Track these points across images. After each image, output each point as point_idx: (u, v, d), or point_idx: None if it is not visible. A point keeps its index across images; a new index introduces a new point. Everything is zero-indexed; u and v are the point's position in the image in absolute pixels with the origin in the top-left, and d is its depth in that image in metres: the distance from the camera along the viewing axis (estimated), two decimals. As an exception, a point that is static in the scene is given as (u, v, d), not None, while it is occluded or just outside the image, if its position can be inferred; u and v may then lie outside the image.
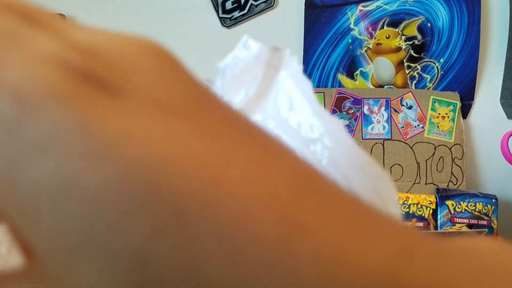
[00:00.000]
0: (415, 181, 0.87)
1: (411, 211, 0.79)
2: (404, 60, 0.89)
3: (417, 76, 0.89)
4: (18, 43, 0.10)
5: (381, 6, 0.88)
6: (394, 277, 0.10)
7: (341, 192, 0.11)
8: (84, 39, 0.11)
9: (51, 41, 0.10)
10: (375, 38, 0.89)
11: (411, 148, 0.88)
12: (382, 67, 0.89)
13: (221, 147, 0.10)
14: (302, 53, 0.88)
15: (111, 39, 0.11)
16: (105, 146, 0.09)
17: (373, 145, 0.88)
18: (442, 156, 0.88)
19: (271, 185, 0.10)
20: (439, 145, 0.88)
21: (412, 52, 0.89)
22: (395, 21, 0.89)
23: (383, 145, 0.88)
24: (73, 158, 0.09)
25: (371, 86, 0.89)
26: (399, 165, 0.87)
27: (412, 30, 0.88)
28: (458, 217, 0.80)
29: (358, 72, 0.89)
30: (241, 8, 0.88)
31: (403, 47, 0.89)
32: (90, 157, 0.09)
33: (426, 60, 0.89)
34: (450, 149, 0.88)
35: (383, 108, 0.88)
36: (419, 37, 0.89)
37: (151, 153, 0.09)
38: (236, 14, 0.88)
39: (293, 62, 0.19)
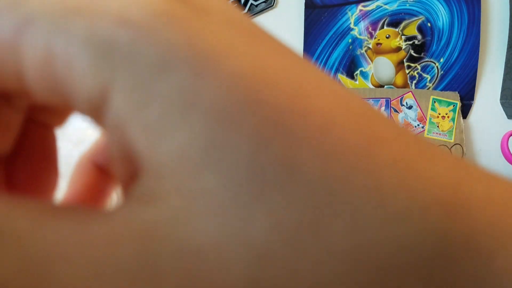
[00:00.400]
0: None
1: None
2: (404, 60, 0.89)
3: (417, 76, 0.89)
4: None
5: (381, 6, 0.88)
6: (457, 186, 0.11)
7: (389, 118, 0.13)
8: None
9: None
10: (375, 38, 0.89)
11: (411, 148, 0.88)
12: (382, 67, 0.89)
13: (291, 63, 0.11)
14: (302, 53, 0.88)
15: None
16: (213, 62, 0.10)
17: (373, 145, 0.88)
18: (442, 156, 0.88)
19: (343, 97, 0.11)
20: (439, 145, 0.88)
21: (412, 52, 0.89)
22: (395, 21, 0.89)
23: (383, 145, 0.88)
24: (191, 76, 0.09)
25: (371, 86, 0.89)
26: (399, 165, 0.87)
27: (412, 30, 0.89)
28: (458, 217, 0.80)
29: (358, 72, 0.89)
30: (241, 8, 0.88)
31: (403, 47, 0.89)
32: (203, 75, 0.09)
33: (426, 60, 0.89)
34: (450, 149, 0.88)
35: (383, 108, 0.88)
36: (419, 37, 0.89)
37: (250, 67, 0.10)
38: (236, 14, 0.88)
39: None
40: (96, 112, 0.10)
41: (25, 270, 0.09)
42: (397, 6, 0.88)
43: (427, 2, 0.88)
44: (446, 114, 0.89)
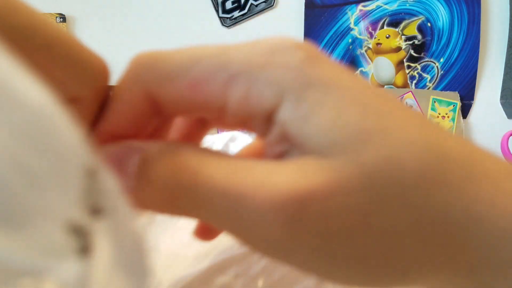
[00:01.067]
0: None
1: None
2: (404, 60, 0.89)
3: (417, 76, 0.89)
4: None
5: (381, 6, 0.88)
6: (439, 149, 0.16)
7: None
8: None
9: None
10: (375, 38, 0.89)
11: (411, 148, 0.88)
12: (382, 67, 0.89)
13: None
14: (302, 53, 0.88)
15: None
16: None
17: (373, 145, 0.88)
18: (442, 156, 0.88)
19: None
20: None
21: (412, 52, 0.89)
22: (395, 21, 0.89)
23: (383, 145, 0.88)
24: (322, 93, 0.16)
25: (371, 86, 0.89)
26: (399, 165, 0.87)
27: (412, 30, 0.88)
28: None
29: (358, 72, 0.89)
30: (241, 8, 0.88)
31: (403, 47, 0.89)
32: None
33: (426, 60, 0.89)
34: (450, 149, 0.88)
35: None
36: (419, 37, 0.89)
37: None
38: (236, 14, 0.88)
39: None
40: (268, 117, 0.16)
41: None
42: (397, 6, 0.88)
43: (427, 2, 0.88)
44: (446, 114, 0.89)
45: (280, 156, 0.16)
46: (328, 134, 0.15)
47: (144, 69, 0.17)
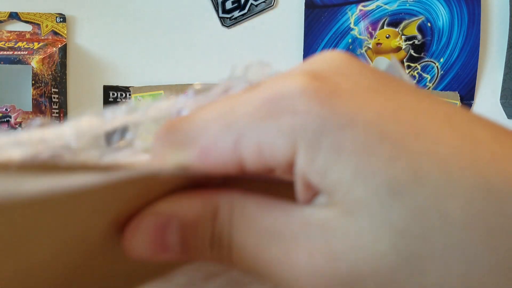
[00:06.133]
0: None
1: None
2: (404, 60, 0.89)
3: (417, 76, 0.89)
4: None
5: (381, 6, 0.88)
6: None
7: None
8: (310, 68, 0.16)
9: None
10: (375, 38, 0.89)
11: (411, 148, 0.88)
12: (382, 67, 0.89)
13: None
14: (302, 53, 0.88)
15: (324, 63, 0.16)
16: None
17: (373, 145, 0.88)
18: (442, 156, 0.88)
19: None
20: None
21: (412, 52, 0.89)
22: (395, 21, 0.89)
23: (383, 145, 0.88)
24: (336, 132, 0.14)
25: (371, 86, 0.89)
26: (399, 165, 0.87)
27: (412, 30, 0.88)
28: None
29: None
30: (241, 8, 0.88)
31: (403, 47, 0.89)
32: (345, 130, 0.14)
33: (426, 60, 0.89)
34: (450, 149, 0.88)
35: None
36: (419, 37, 0.89)
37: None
38: (236, 14, 0.88)
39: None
40: (288, 169, 0.15)
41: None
42: (397, 6, 0.88)
43: (427, 2, 0.88)
44: (446, 114, 0.89)
45: (309, 201, 0.15)
46: (349, 190, 0.13)
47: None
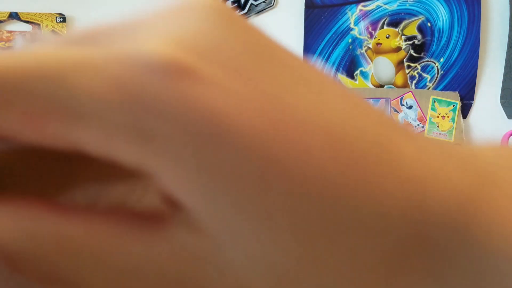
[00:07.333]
0: (415, 181, 0.87)
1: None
2: (404, 60, 0.89)
3: (417, 76, 0.89)
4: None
5: (381, 6, 0.88)
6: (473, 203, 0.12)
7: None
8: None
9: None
10: (375, 38, 0.89)
11: (411, 148, 0.88)
12: (382, 67, 0.89)
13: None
14: (302, 53, 0.88)
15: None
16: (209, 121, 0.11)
17: (373, 145, 0.88)
18: (442, 156, 0.88)
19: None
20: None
21: (412, 52, 0.89)
22: (395, 21, 0.89)
23: (383, 145, 0.88)
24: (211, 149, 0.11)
25: (371, 86, 0.89)
26: (399, 165, 0.88)
27: (412, 30, 0.88)
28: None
29: (358, 72, 0.89)
30: (241, 8, 0.88)
31: (403, 47, 0.89)
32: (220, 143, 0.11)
33: (426, 60, 0.89)
34: (450, 149, 0.88)
35: (383, 108, 0.88)
36: (419, 37, 0.89)
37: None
38: (236, 14, 0.88)
39: None
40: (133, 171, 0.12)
41: (105, 282, 0.11)
42: (397, 6, 0.88)
43: (427, 2, 0.88)
44: (446, 114, 0.89)
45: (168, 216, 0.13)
46: (222, 219, 0.12)
47: None
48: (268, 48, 0.12)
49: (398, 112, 0.89)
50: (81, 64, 0.11)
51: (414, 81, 0.89)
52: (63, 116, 0.11)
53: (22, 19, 0.83)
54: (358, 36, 0.89)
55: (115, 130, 0.11)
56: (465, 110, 0.90)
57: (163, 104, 0.11)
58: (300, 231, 0.11)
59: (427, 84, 0.89)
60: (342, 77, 0.89)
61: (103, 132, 0.11)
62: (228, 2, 0.87)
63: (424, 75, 0.89)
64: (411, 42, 0.88)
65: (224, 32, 0.12)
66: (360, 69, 0.89)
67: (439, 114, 0.89)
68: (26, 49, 0.12)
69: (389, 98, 0.89)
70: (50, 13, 0.84)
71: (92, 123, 0.11)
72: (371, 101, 0.88)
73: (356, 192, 0.11)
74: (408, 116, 0.89)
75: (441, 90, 0.89)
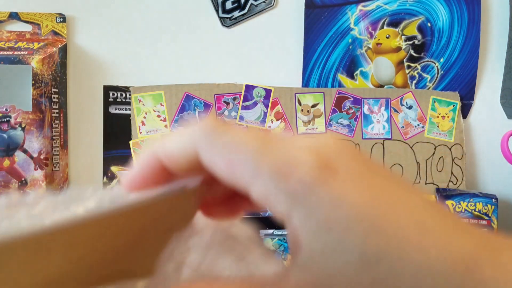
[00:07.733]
0: (415, 181, 0.87)
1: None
2: (404, 60, 0.89)
3: (417, 76, 0.89)
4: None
5: (381, 6, 0.88)
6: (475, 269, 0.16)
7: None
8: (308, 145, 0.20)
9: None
10: (375, 38, 0.89)
11: (411, 148, 0.88)
12: (382, 67, 0.89)
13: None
14: (302, 53, 0.88)
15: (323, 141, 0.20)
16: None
17: (373, 145, 0.88)
18: (442, 156, 0.88)
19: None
20: (439, 145, 0.88)
21: (412, 52, 0.89)
22: (395, 21, 0.89)
23: (383, 145, 0.88)
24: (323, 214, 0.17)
25: (371, 86, 0.89)
26: (399, 165, 0.87)
27: (412, 30, 0.88)
28: (458, 217, 0.79)
29: (358, 72, 0.89)
30: (241, 8, 0.88)
31: (403, 47, 0.89)
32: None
33: (426, 60, 0.89)
34: (450, 149, 0.88)
35: (383, 108, 0.88)
36: (419, 37, 0.89)
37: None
38: (236, 14, 0.88)
39: None
40: (284, 219, 0.18)
41: None
42: (397, 6, 0.88)
43: (427, 2, 0.88)
44: (446, 114, 0.89)
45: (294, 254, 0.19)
46: (326, 260, 0.17)
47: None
48: (375, 165, 0.19)
49: (398, 112, 0.89)
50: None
51: (414, 81, 0.89)
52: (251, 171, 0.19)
53: (22, 19, 0.83)
54: (358, 36, 0.89)
55: (277, 191, 0.18)
56: (465, 110, 0.90)
57: (315, 185, 0.17)
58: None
59: (427, 84, 0.89)
60: (342, 77, 0.89)
61: (270, 191, 0.18)
62: (228, 2, 0.88)
63: (424, 75, 0.89)
64: (411, 42, 0.88)
65: (344, 150, 0.19)
66: (360, 69, 0.89)
67: (439, 114, 0.89)
68: None
69: (389, 98, 0.89)
70: (50, 13, 0.84)
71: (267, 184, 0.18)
72: (371, 101, 0.88)
73: None
74: (408, 116, 0.89)
75: (441, 90, 0.89)
